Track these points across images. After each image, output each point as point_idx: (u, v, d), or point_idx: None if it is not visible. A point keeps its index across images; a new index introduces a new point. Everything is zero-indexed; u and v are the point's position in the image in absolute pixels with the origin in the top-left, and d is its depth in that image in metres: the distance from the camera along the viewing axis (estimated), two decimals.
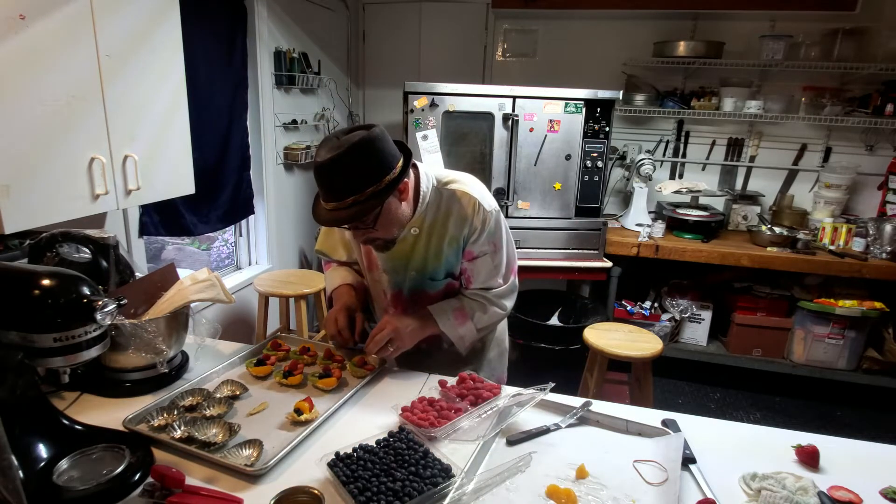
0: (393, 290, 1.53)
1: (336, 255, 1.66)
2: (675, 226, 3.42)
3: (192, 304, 1.37)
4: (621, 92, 2.99)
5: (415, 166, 1.39)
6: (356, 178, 1.19)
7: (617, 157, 3.64)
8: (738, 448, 1.15)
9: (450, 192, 1.39)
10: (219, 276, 1.47)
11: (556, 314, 3.29)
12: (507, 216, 3.07)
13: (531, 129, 2.98)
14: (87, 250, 1.32)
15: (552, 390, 1.25)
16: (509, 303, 1.51)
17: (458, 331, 1.45)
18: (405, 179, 1.27)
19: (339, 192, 1.20)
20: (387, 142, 1.23)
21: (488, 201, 1.41)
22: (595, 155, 3.04)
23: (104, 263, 1.34)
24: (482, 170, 3.05)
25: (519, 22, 3.78)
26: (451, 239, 1.41)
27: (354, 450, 1.05)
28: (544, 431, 1.18)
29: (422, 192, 1.36)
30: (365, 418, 1.23)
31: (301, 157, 3.30)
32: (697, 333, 3.50)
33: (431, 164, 2.90)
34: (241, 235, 3.21)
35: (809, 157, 3.57)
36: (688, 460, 1.09)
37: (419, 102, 2.91)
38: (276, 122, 3.16)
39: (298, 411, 1.17)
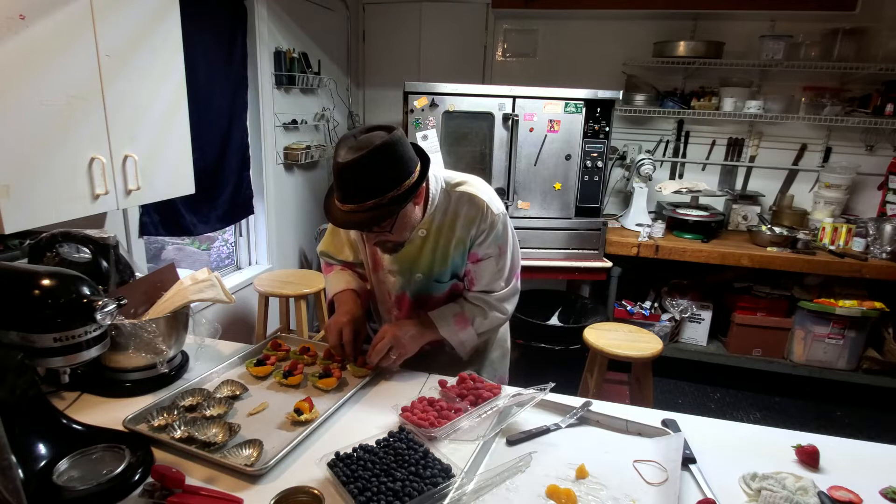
0: (398, 292, 1.52)
1: (341, 256, 1.64)
2: (675, 226, 3.42)
3: (192, 304, 1.37)
4: (621, 92, 2.99)
5: None
6: (378, 182, 1.16)
7: (617, 157, 3.64)
8: (738, 448, 1.15)
9: (458, 194, 1.38)
10: (219, 276, 1.47)
11: (556, 314, 3.29)
12: None
13: (531, 129, 2.98)
14: (87, 250, 1.32)
15: (552, 390, 1.25)
16: (510, 306, 1.51)
17: (459, 336, 1.45)
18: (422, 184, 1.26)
19: (360, 195, 1.17)
20: (407, 146, 1.22)
21: (497, 204, 1.40)
22: (595, 155, 3.04)
23: (104, 263, 1.34)
24: (482, 170, 3.05)
25: (519, 22, 3.78)
26: (458, 241, 1.40)
27: (354, 450, 1.05)
28: (544, 431, 1.18)
29: (431, 195, 1.35)
30: (365, 418, 1.23)
31: (301, 157, 3.30)
32: (697, 333, 3.50)
33: (435, 165, 2.90)
34: (241, 235, 3.21)
35: (809, 157, 3.57)
36: (688, 460, 1.09)
37: (419, 102, 2.91)
38: (276, 122, 3.16)
39: (298, 411, 1.17)
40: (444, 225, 1.39)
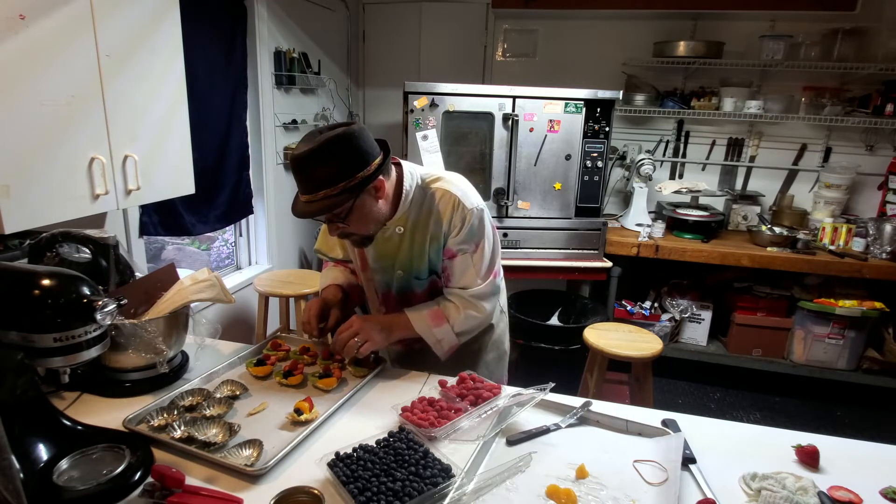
0: (383, 289, 1.54)
1: (333, 254, 1.67)
2: (675, 226, 3.42)
3: (192, 304, 1.37)
4: (621, 92, 2.99)
5: (399, 165, 1.39)
6: (329, 173, 1.21)
7: (617, 157, 3.64)
8: (738, 448, 1.15)
9: (433, 191, 1.40)
10: (219, 276, 1.47)
11: (556, 314, 3.29)
12: (506, 216, 3.08)
13: (531, 129, 2.98)
14: (87, 250, 1.32)
15: (552, 390, 1.25)
16: (488, 305, 1.47)
17: (434, 332, 1.43)
18: (381, 178, 1.28)
19: (312, 185, 1.23)
20: (364, 140, 1.25)
21: (471, 199, 1.40)
22: (595, 155, 3.04)
23: (104, 263, 1.34)
24: (482, 170, 3.05)
25: (519, 22, 3.78)
26: (432, 237, 1.41)
27: (354, 450, 1.05)
28: (544, 431, 1.18)
29: (404, 191, 1.36)
30: (365, 418, 1.23)
31: None
32: (697, 333, 3.50)
33: (431, 164, 2.90)
34: (241, 235, 3.21)
35: (809, 157, 3.57)
36: (688, 460, 1.09)
37: (419, 102, 2.91)
38: (276, 122, 3.16)
39: (298, 411, 1.17)
40: (420, 221, 1.40)
